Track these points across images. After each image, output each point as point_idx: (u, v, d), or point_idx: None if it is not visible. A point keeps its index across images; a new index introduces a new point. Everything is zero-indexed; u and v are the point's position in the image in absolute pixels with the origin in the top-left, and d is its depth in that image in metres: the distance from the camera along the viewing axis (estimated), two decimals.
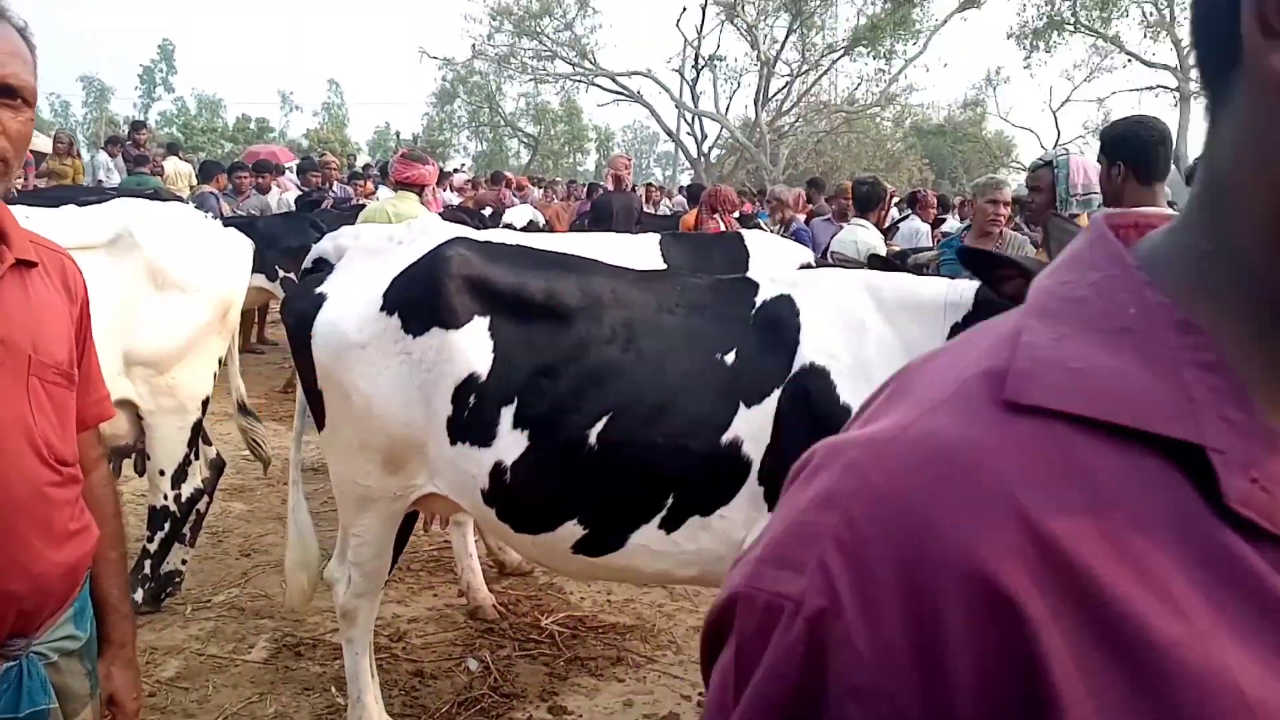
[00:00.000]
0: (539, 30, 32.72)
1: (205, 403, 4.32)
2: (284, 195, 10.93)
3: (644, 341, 2.66)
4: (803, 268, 5.11)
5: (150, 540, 4.29)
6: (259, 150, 20.96)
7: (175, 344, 4.03)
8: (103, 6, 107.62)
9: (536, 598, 4.76)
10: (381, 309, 2.80)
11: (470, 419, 2.71)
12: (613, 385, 2.62)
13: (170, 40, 43.75)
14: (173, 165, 13.64)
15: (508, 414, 2.68)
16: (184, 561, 4.56)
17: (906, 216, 9.66)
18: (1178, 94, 31.96)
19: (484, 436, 2.71)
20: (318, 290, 2.95)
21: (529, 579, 4.94)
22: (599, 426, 2.60)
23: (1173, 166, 3.35)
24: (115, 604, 1.89)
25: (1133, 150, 3.51)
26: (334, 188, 11.56)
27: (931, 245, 7.50)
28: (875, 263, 5.32)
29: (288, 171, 13.77)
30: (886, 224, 7.86)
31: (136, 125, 15.18)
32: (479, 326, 2.72)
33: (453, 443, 2.75)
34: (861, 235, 6.41)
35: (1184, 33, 31.37)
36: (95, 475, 1.90)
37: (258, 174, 10.62)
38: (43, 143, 12.69)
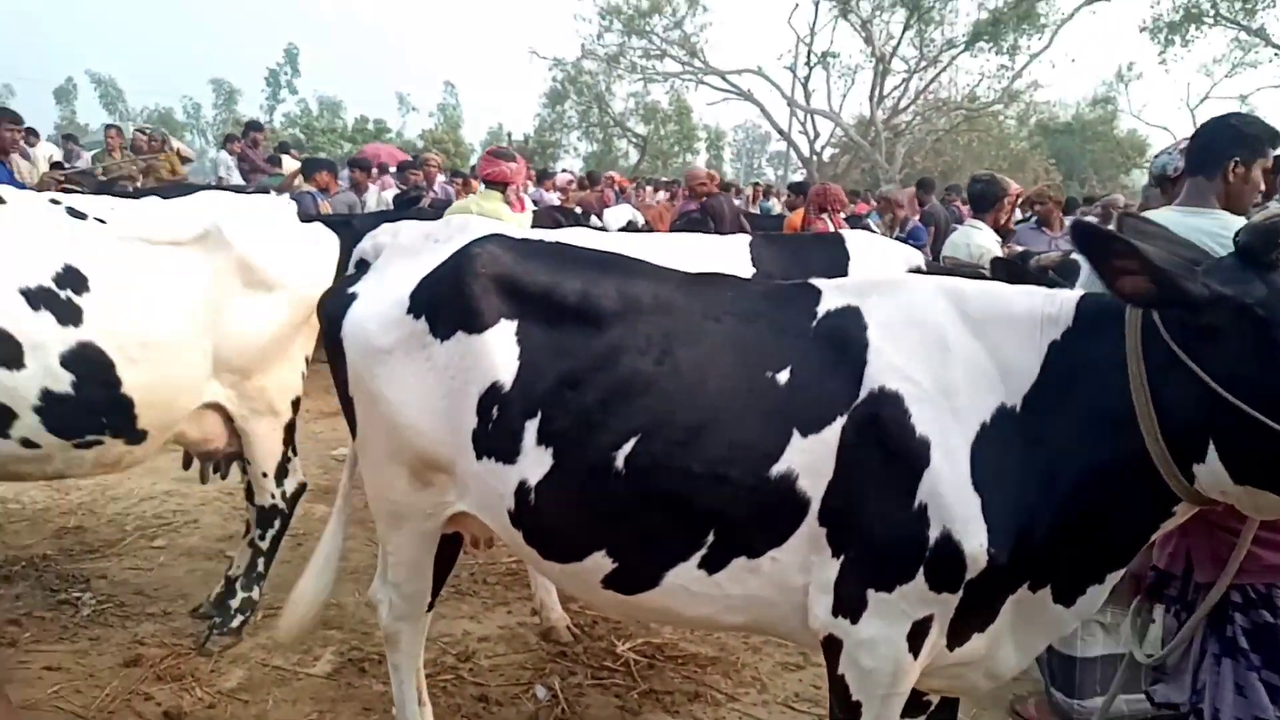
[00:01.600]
0: (648, 29, 32.62)
1: (296, 403, 4.23)
2: (384, 194, 10.98)
3: (682, 353, 2.34)
4: (912, 272, 4.72)
5: (262, 538, 4.28)
6: (371, 150, 21.30)
7: (264, 343, 3.94)
8: (233, 11, 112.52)
9: (613, 621, 4.50)
10: (408, 311, 2.58)
11: (494, 432, 2.47)
12: (643, 401, 2.31)
13: (295, 44, 45.29)
14: (286, 164, 13.96)
15: (531, 428, 2.42)
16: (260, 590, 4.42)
17: (1029, 218, 9.07)
18: None
19: (508, 452, 2.45)
20: (349, 290, 2.76)
21: None
22: (627, 448, 2.31)
23: None
24: None
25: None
26: (435, 187, 11.56)
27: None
28: (998, 268, 4.86)
29: (390, 171, 13.89)
30: (1009, 224, 7.34)
31: (253, 125, 15.57)
32: (505, 330, 2.47)
33: (478, 457, 2.51)
34: (975, 237, 5.95)
35: None
36: None
37: (351, 169, 10.65)
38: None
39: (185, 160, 13.12)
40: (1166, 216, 2.72)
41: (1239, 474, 1.92)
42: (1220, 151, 2.94)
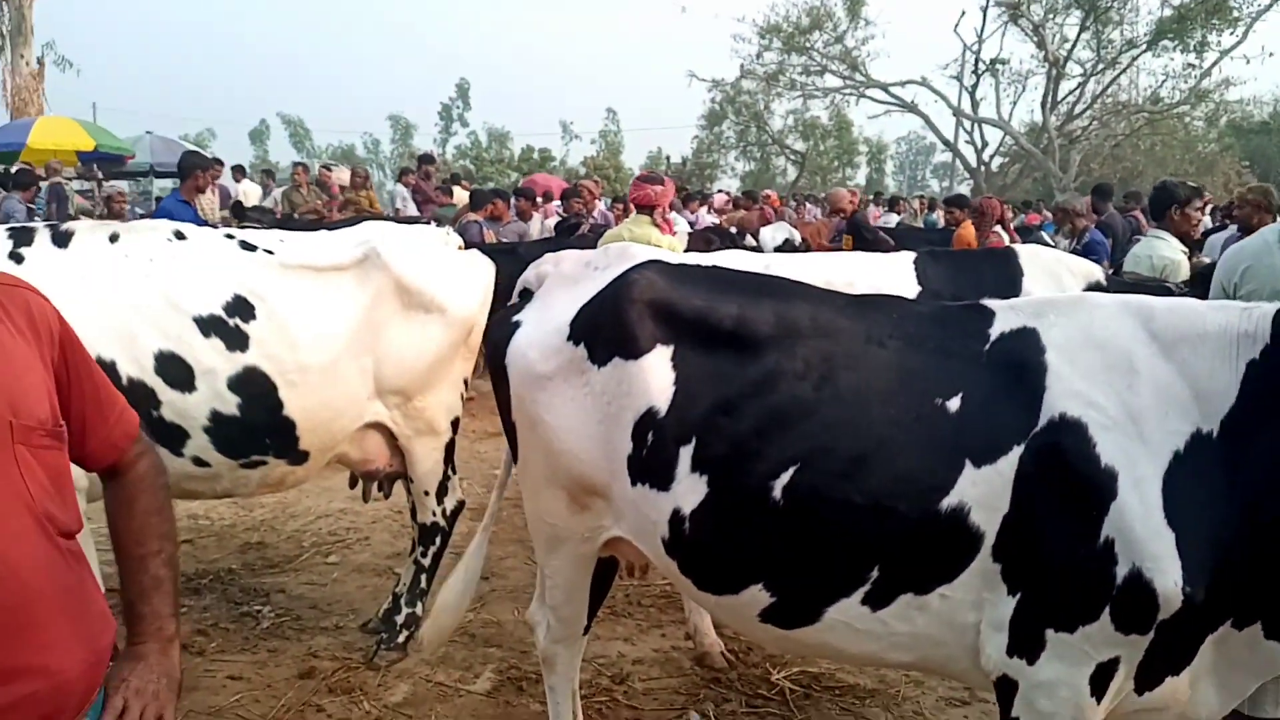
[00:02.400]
0: (808, 45, 32.29)
1: (455, 422, 4.34)
2: (547, 221, 11.31)
3: (843, 379, 2.24)
4: (1091, 288, 4.42)
5: (424, 555, 4.40)
6: (543, 179, 21.95)
7: (423, 364, 4.05)
8: (409, 51, 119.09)
9: None
10: (568, 338, 2.61)
11: (649, 458, 2.44)
12: (801, 429, 2.22)
13: (466, 79, 47.00)
14: (458, 195, 14.58)
15: (686, 455, 2.37)
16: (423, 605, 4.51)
17: (1222, 226, 8.42)
18: None
19: (663, 479, 2.41)
20: (514, 318, 2.82)
21: None
22: (784, 477, 2.22)
23: None
24: (133, 600, 1.67)
25: None
26: (596, 214, 11.79)
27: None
28: (1199, 285, 4.45)
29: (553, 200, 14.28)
30: (1195, 233, 6.81)
31: (425, 158, 16.34)
32: (661, 356, 2.44)
33: (633, 483, 2.49)
34: (1159, 249, 5.51)
35: None
36: (133, 473, 1.76)
37: (518, 199, 11.04)
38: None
39: None
40: None
41: None
42: None
